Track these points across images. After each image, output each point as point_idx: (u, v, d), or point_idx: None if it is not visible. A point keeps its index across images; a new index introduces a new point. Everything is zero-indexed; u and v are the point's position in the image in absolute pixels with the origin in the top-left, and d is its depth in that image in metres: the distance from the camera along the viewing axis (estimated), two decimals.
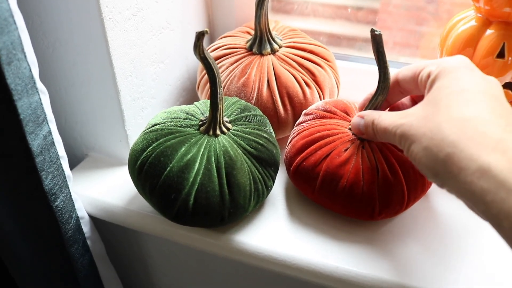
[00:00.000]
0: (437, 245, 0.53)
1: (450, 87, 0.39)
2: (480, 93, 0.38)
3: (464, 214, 0.56)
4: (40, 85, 0.48)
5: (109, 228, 0.67)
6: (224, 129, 0.52)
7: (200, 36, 0.45)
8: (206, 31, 0.44)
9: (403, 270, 0.50)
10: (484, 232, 0.54)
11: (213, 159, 0.49)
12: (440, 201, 0.59)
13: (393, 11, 1.84)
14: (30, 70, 0.46)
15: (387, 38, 1.84)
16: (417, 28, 1.20)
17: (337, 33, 1.90)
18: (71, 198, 0.55)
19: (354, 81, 0.72)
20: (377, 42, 0.50)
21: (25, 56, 0.45)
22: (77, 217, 0.57)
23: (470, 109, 0.37)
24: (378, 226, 0.55)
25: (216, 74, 0.48)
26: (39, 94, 0.48)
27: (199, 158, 0.49)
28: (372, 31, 0.50)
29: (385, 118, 0.44)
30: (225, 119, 0.53)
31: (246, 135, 0.52)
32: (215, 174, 0.48)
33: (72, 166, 0.64)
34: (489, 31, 0.53)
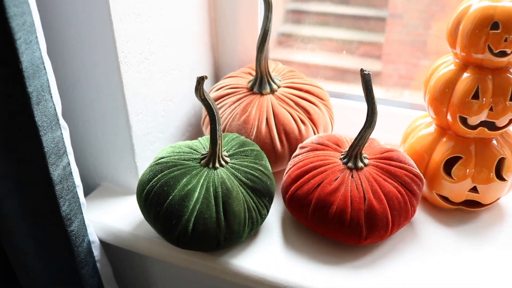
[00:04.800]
0: (420, 268, 0.59)
1: None
2: None
3: (447, 241, 0.63)
4: (62, 121, 0.58)
5: (116, 253, 0.75)
6: (222, 162, 0.60)
7: (200, 80, 0.54)
8: (206, 76, 0.54)
9: None
10: (465, 257, 0.61)
11: (211, 189, 0.57)
12: (424, 228, 0.66)
13: (397, 46, 1.94)
14: (55, 109, 0.56)
15: (392, 72, 1.94)
16: (421, 62, 1.29)
17: (343, 67, 2.01)
18: (85, 223, 0.64)
19: (348, 117, 0.80)
20: (366, 80, 0.59)
21: (51, 97, 0.55)
22: (89, 241, 0.65)
23: None
24: (365, 250, 0.62)
25: (216, 113, 0.57)
26: (61, 130, 0.57)
27: (199, 188, 0.57)
28: (362, 70, 0.58)
29: None
30: (224, 153, 0.62)
31: (243, 168, 0.60)
32: (213, 203, 0.57)
33: (85, 194, 0.73)
34: (465, 75, 0.61)
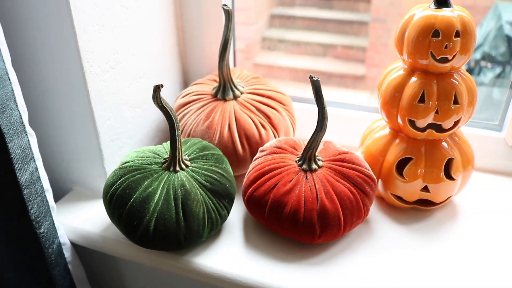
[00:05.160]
0: (374, 264, 0.63)
1: None
2: None
3: (401, 239, 0.67)
4: (28, 128, 0.62)
5: (90, 254, 0.78)
6: (183, 166, 0.64)
7: (156, 89, 0.58)
8: (162, 84, 0.58)
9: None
10: (419, 253, 0.64)
11: (171, 192, 0.61)
12: (379, 226, 0.70)
13: (381, 50, 1.99)
14: (21, 117, 0.60)
15: (375, 75, 1.99)
16: None
17: (328, 71, 2.06)
18: (54, 226, 0.67)
19: (313, 121, 0.84)
20: (316, 86, 0.62)
21: (16, 106, 0.59)
22: (59, 243, 0.69)
23: None
24: (322, 248, 0.66)
25: (174, 119, 0.61)
26: (27, 137, 0.61)
27: (159, 190, 0.61)
28: (311, 77, 0.62)
29: None
30: (185, 157, 0.65)
31: (203, 171, 0.64)
32: (173, 204, 0.60)
33: (57, 198, 0.76)
34: (412, 79, 0.65)
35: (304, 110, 0.88)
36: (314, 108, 0.88)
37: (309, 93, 0.81)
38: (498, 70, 1.50)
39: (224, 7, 0.72)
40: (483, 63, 1.63)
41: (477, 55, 1.67)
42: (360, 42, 2.04)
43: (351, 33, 2.01)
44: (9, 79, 0.58)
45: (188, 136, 0.75)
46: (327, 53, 2.01)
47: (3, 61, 0.57)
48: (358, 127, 0.84)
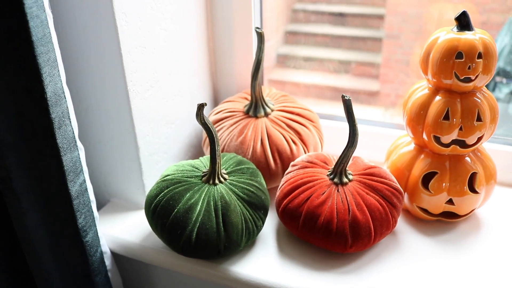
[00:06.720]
0: (401, 274, 0.68)
1: None
2: None
3: (427, 250, 0.72)
4: (79, 143, 0.68)
5: (124, 263, 0.84)
6: (221, 179, 0.70)
7: (200, 107, 0.64)
8: (205, 103, 0.64)
9: None
10: (443, 264, 0.70)
11: (212, 203, 0.67)
12: (406, 237, 0.75)
13: (394, 66, 2.06)
14: (73, 132, 0.66)
15: (390, 91, 2.05)
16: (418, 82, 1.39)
17: (341, 87, 2.13)
18: (98, 235, 0.73)
19: (338, 137, 0.90)
20: (347, 105, 0.68)
21: (70, 121, 0.65)
22: (102, 251, 0.74)
23: None
24: (352, 258, 0.71)
25: (214, 135, 0.67)
26: (78, 151, 0.67)
27: (201, 202, 0.67)
28: (343, 96, 0.68)
29: None
30: (223, 171, 0.71)
31: (240, 184, 0.70)
32: (213, 215, 0.66)
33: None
34: (437, 98, 0.71)
35: (325, 126, 0.94)
36: (335, 124, 0.95)
37: (324, 108, 0.87)
38: None
39: (257, 29, 0.78)
40: (498, 79, 1.69)
41: None
42: (374, 58, 2.12)
43: (364, 49, 2.07)
44: (65, 97, 0.64)
45: (222, 151, 0.81)
46: (341, 69, 2.08)
47: (61, 81, 0.63)
48: (376, 142, 0.90)
